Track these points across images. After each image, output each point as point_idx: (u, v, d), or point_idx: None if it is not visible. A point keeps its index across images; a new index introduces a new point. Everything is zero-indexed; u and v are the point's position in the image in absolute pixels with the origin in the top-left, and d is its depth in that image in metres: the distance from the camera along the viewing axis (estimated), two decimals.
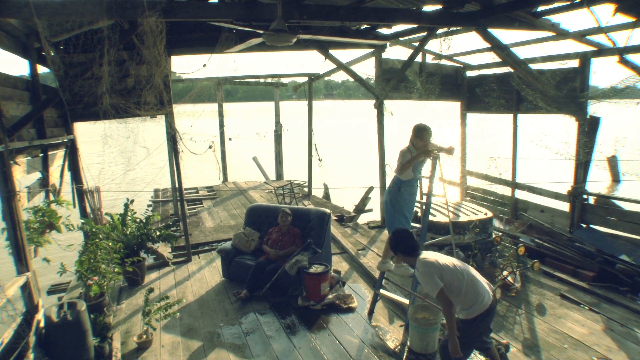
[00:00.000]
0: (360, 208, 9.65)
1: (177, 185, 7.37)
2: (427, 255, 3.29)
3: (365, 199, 9.75)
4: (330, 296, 5.02)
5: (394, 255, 3.49)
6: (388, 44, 7.57)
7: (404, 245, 3.36)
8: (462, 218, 5.75)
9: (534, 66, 6.44)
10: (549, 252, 6.05)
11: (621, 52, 5.26)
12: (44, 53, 5.20)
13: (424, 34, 6.86)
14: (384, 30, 7.46)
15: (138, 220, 5.97)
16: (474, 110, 8.96)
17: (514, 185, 8.16)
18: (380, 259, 4.91)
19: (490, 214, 6.02)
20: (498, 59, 6.57)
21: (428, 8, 5.92)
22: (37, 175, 5.20)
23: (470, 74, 8.96)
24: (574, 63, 6.48)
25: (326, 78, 11.05)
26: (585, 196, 6.61)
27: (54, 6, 4.10)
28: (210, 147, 8.41)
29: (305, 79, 11.33)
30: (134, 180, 16.09)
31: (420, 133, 4.44)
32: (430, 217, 5.42)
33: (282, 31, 4.44)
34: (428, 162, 4.58)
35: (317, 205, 9.78)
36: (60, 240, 4.79)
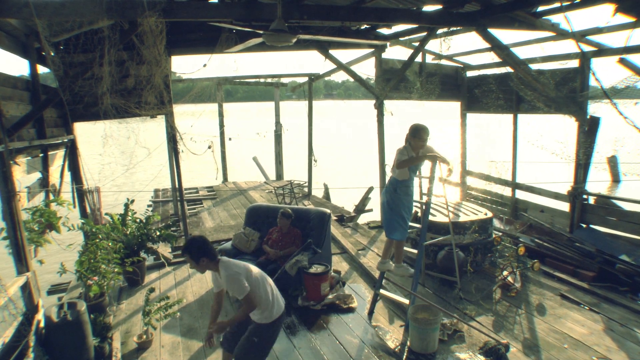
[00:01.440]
0: (360, 208, 9.65)
1: (177, 186, 7.38)
2: (230, 260, 3.20)
3: (365, 199, 9.75)
4: (330, 296, 5.02)
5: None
6: (388, 44, 7.58)
7: (210, 250, 3.10)
8: (462, 218, 5.75)
9: (534, 66, 6.44)
10: (549, 252, 6.05)
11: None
12: (44, 53, 5.20)
13: (424, 34, 6.86)
14: (384, 30, 7.46)
15: (138, 220, 5.97)
16: (474, 111, 8.96)
17: (514, 185, 8.17)
18: (380, 259, 4.91)
19: (490, 214, 6.02)
20: (498, 59, 6.57)
21: (428, 8, 5.92)
22: (37, 175, 5.20)
23: (470, 74, 8.96)
24: (574, 63, 6.49)
25: (326, 78, 11.05)
26: (585, 196, 6.61)
27: (53, 6, 4.11)
28: (209, 147, 8.40)
29: (305, 79, 11.33)
30: (134, 180, 16.09)
31: (418, 133, 4.37)
32: (430, 217, 5.41)
33: (282, 31, 4.43)
34: (427, 162, 4.56)
35: (317, 205, 9.78)
36: (60, 241, 4.79)
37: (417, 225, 4.81)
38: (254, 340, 3.17)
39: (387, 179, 4.78)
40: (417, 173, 4.71)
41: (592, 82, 6.35)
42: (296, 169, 14.58)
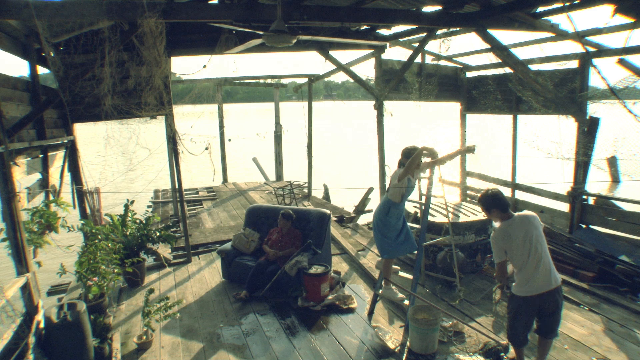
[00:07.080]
0: (360, 209, 9.66)
1: (177, 186, 7.37)
2: (506, 225, 3.42)
3: (365, 200, 9.76)
4: (330, 297, 5.02)
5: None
6: (388, 44, 7.58)
7: (498, 203, 3.46)
8: (462, 219, 5.75)
9: (533, 67, 6.44)
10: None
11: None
12: (44, 54, 5.20)
13: (424, 34, 6.87)
14: (384, 31, 7.47)
15: (138, 221, 5.97)
16: (473, 111, 8.97)
17: (514, 185, 8.17)
18: (378, 259, 4.92)
19: None
20: (497, 60, 6.58)
21: (428, 9, 5.93)
22: (37, 176, 5.20)
23: (470, 74, 8.96)
24: (574, 64, 6.49)
25: (326, 79, 11.05)
26: (584, 197, 6.61)
27: (53, 7, 4.11)
28: (206, 148, 8.39)
29: (305, 79, 11.33)
30: (135, 181, 16.08)
31: (409, 156, 4.41)
32: (430, 218, 5.41)
33: (282, 32, 4.43)
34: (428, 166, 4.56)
35: (317, 206, 9.78)
36: (60, 241, 4.79)
37: (417, 226, 4.81)
38: (509, 308, 3.46)
39: (387, 179, 4.78)
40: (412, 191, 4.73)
41: (592, 82, 6.37)
42: (296, 170, 14.57)
